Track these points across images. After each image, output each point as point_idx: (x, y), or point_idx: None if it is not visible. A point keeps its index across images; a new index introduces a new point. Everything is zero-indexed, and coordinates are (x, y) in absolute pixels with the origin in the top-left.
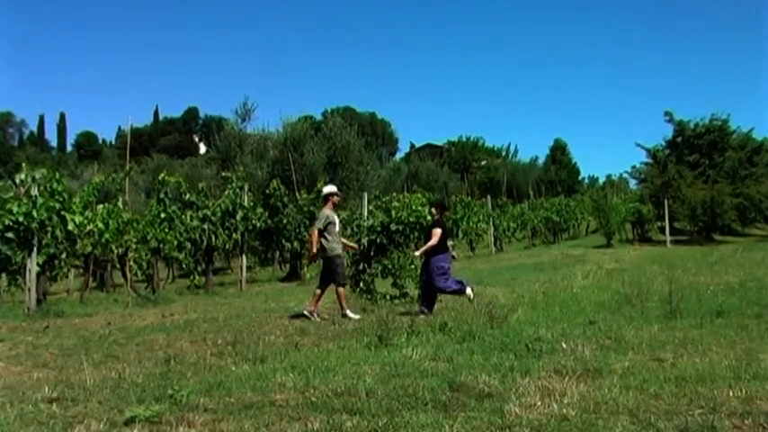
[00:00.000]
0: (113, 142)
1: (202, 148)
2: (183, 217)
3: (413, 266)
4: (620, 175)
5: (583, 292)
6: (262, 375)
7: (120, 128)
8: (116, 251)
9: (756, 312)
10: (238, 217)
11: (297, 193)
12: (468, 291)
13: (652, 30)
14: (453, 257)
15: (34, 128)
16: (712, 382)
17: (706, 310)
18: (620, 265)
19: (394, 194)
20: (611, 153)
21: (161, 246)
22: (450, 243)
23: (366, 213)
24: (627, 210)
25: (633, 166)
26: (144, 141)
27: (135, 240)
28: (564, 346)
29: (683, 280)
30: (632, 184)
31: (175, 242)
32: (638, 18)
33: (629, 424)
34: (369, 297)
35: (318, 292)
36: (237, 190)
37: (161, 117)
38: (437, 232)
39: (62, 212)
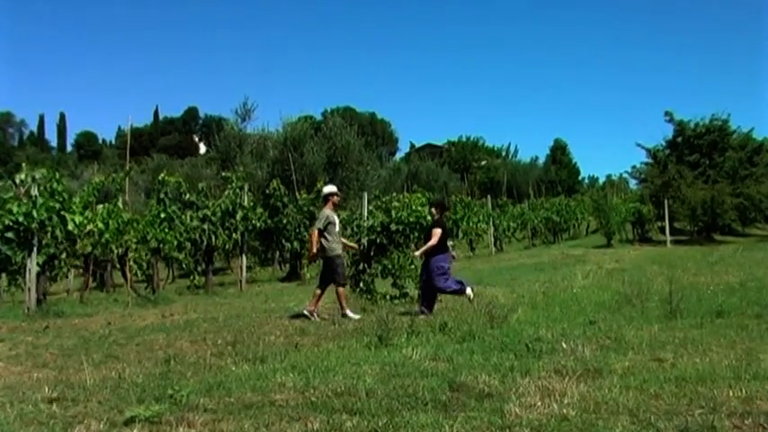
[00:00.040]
0: (113, 142)
1: (202, 148)
2: (183, 217)
3: (413, 266)
4: (621, 175)
5: (583, 292)
6: (262, 375)
7: (119, 128)
8: (116, 251)
9: (757, 312)
10: (238, 217)
11: (297, 193)
12: (468, 291)
13: (652, 30)
14: (453, 257)
15: (34, 128)
16: (712, 382)
17: (706, 310)
18: (621, 265)
19: (394, 194)
20: (612, 153)
21: (161, 246)
22: (450, 243)
23: (366, 213)
24: (627, 210)
25: (633, 166)
26: (144, 141)
27: (135, 240)
28: (564, 346)
29: (683, 280)
30: (632, 184)
31: (175, 242)
32: (638, 18)
33: (630, 424)
34: (369, 297)
35: (318, 292)
36: (237, 190)
37: (161, 117)
38: (437, 232)
39: (62, 212)
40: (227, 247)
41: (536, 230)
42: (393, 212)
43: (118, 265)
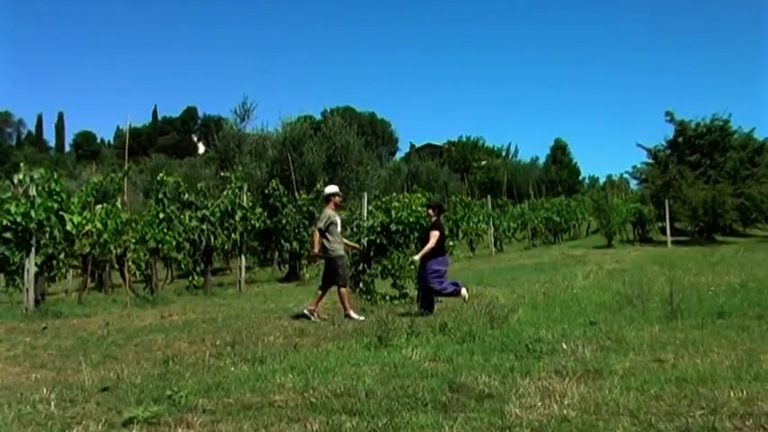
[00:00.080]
0: (112, 142)
1: (201, 148)
2: (182, 217)
3: (412, 267)
4: (621, 175)
5: (583, 293)
6: (261, 376)
7: (118, 127)
8: (114, 251)
9: (758, 313)
10: (237, 217)
11: (296, 194)
12: (464, 292)
13: (653, 29)
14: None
15: (32, 127)
16: (713, 383)
17: (707, 310)
18: (621, 265)
19: (394, 194)
20: (612, 153)
21: (160, 246)
22: (450, 243)
23: (366, 213)
24: (628, 210)
25: (634, 167)
26: (142, 141)
27: (133, 241)
28: (564, 346)
29: (684, 280)
30: (633, 184)
31: (174, 242)
32: (639, 18)
33: (630, 425)
34: (368, 298)
35: (320, 292)
36: (236, 190)
37: (160, 117)
38: (435, 235)
39: (60, 213)
40: (226, 247)
41: (536, 231)
42: (393, 213)
43: (116, 266)
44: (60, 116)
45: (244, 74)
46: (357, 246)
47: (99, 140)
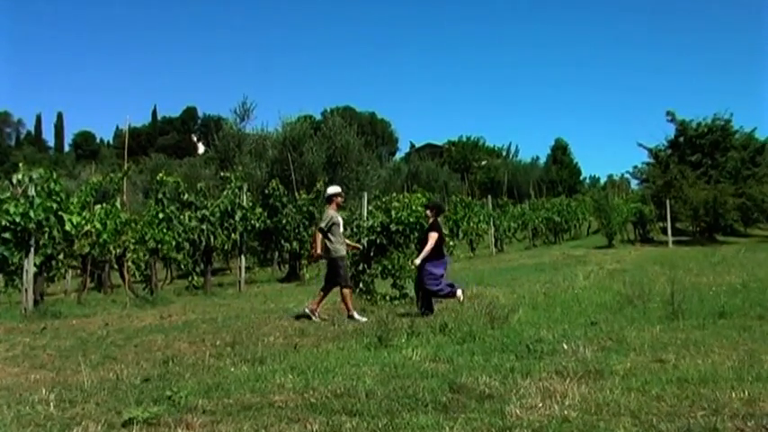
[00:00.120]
0: (111, 142)
1: (201, 148)
2: (182, 217)
3: (413, 267)
4: (622, 175)
5: (584, 293)
6: (261, 377)
7: (117, 127)
8: (114, 252)
9: (759, 313)
10: (237, 217)
11: (296, 194)
12: (459, 293)
13: (653, 29)
14: (445, 266)
15: (31, 127)
16: (715, 383)
17: (708, 311)
18: (622, 265)
19: (394, 194)
20: (613, 153)
21: (159, 246)
22: (451, 243)
23: (366, 213)
24: (628, 210)
25: (635, 166)
26: (142, 141)
27: (133, 241)
28: (565, 347)
29: (685, 281)
30: (634, 184)
31: (174, 242)
32: (640, 18)
33: (631, 426)
34: (368, 298)
35: (322, 293)
36: (236, 190)
37: (159, 117)
38: (433, 236)
39: (59, 213)
40: (225, 247)
41: (537, 231)
42: (393, 213)
43: (116, 266)
44: (60, 116)
45: (244, 74)
46: (359, 246)
47: (98, 140)
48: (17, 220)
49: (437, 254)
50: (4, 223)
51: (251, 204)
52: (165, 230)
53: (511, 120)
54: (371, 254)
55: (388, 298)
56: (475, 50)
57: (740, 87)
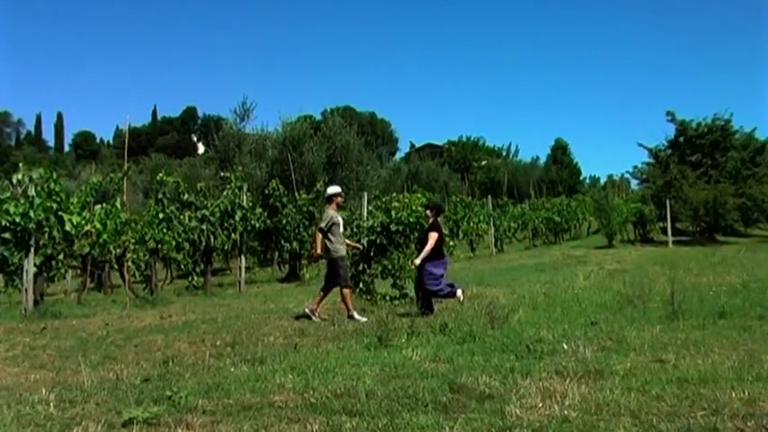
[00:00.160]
0: (111, 142)
1: (201, 148)
2: (182, 217)
3: (413, 267)
4: (622, 175)
5: (584, 293)
6: (261, 377)
7: (117, 127)
8: (114, 252)
9: (759, 313)
10: (237, 217)
11: (296, 194)
12: (459, 293)
13: (653, 29)
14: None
15: (31, 127)
16: (715, 383)
17: (708, 311)
18: (622, 265)
19: (394, 194)
20: (613, 153)
21: (159, 246)
22: (451, 243)
23: (366, 213)
24: (628, 210)
25: (635, 166)
26: (142, 141)
27: (133, 241)
28: (565, 347)
29: (685, 281)
30: (634, 184)
31: (174, 243)
32: (640, 17)
33: (631, 426)
34: (368, 298)
35: (322, 293)
36: (236, 190)
37: (159, 117)
38: (433, 236)
39: (59, 213)
40: (225, 247)
41: (537, 231)
42: (393, 213)
43: (116, 266)
44: (59, 116)
45: (244, 74)
46: (359, 246)
47: (98, 140)
48: (17, 220)
49: (437, 254)
50: (3, 223)
51: (251, 204)
52: (165, 230)
53: (511, 120)
54: (371, 254)
55: (388, 298)
56: (475, 50)
57: (740, 87)
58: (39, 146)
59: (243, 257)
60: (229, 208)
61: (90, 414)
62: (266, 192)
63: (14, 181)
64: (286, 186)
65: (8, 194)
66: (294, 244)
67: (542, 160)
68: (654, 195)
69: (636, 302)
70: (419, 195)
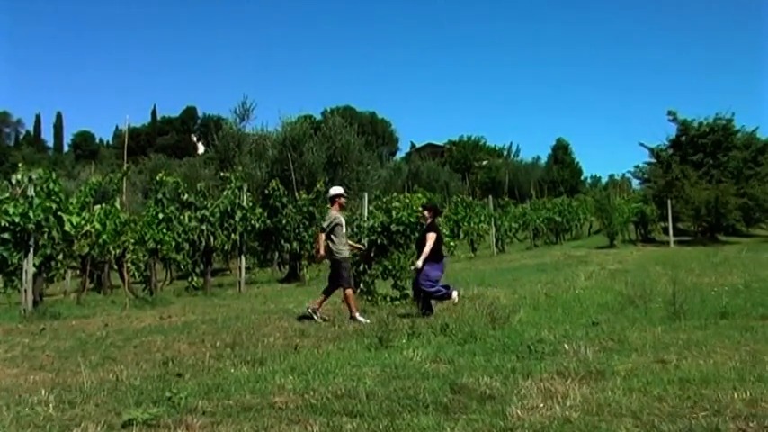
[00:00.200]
0: (110, 142)
1: (201, 148)
2: (182, 217)
3: (412, 269)
4: (623, 174)
5: (585, 293)
6: (261, 378)
7: (117, 127)
8: (113, 252)
9: (761, 314)
10: (237, 217)
11: (296, 194)
12: (454, 294)
13: (654, 28)
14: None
15: (31, 127)
16: (716, 384)
17: (710, 311)
18: (624, 265)
19: (394, 195)
20: (614, 153)
21: (159, 247)
22: (452, 244)
23: (366, 214)
24: (630, 210)
25: (636, 166)
26: (141, 141)
27: (132, 241)
28: (566, 347)
29: (686, 281)
30: (635, 184)
31: (173, 243)
32: (641, 17)
33: (633, 426)
34: (369, 298)
35: (323, 295)
36: (236, 190)
37: (159, 116)
38: (431, 237)
39: (59, 213)
40: (225, 247)
41: (538, 231)
42: (393, 213)
43: (115, 267)
44: (59, 116)
45: (244, 73)
46: (362, 247)
47: (98, 140)
48: (16, 220)
49: (436, 255)
50: (3, 224)
51: (251, 205)
52: (164, 231)
53: (512, 119)
54: (372, 254)
55: (388, 298)
56: (475, 50)
57: (742, 87)
58: (38, 146)
59: (243, 258)
60: (229, 208)
61: (89, 415)
62: (266, 192)
63: (14, 181)
64: (286, 186)
65: (7, 195)
66: (294, 244)
67: (543, 160)
68: (655, 195)
69: (637, 303)
70: (420, 195)
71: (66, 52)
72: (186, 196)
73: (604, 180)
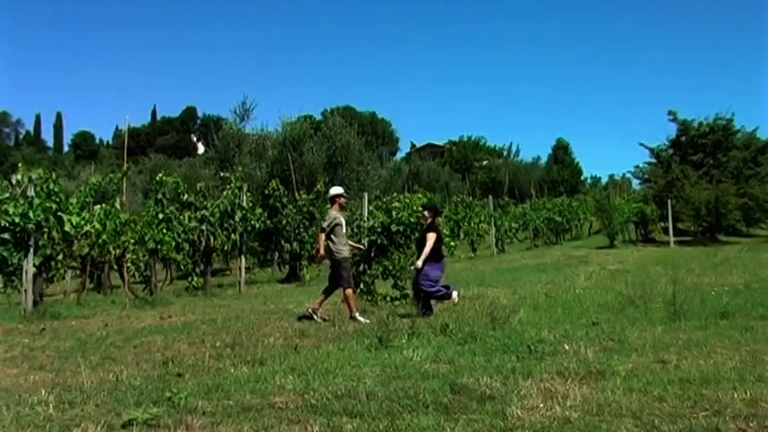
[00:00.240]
0: (110, 142)
1: (201, 148)
2: (182, 218)
3: (412, 269)
4: (623, 174)
5: (585, 294)
6: (261, 378)
7: (117, 127)
8: (113, 252)
9: (761, 314)
10: (237, 217)
11: (296, 194)
12: (454, 295)
13: (655, 28)
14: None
15: (31, 127)
16: (717, 384)
17: (710, 311)
18: (624, 265)
19: (394, 195)
20: (614, 153)
21: (159, 247)
22: (452, 244)
23: (366, 214)
24: (630, 210)
25: (636, 166)
26: (141, 141)
27: (132, 241)
28: (566, 347)
29: (686, 281)
30: (635, 184)
31: (173, 243)
32: (641, 17)
33: (633, 427)
34: (369, 298)
35: (324, 295)
36: (236, 190)
37: (159, 116)
38: (431, 237)
39: (59, 213)
40: (225, 247)
41: (538, 231)
42: (394, 213)
43: (115, 267)
44: (59, 116)
45: (244, 73)
46: (362, 246)
47: (98, 141)
48: (16, 220)
49: (436, 255)
50: (3, 224)
51: (251, 205)
52: (164, 231)
53: (512, 119)
54: (372, 254)
55: (388, 299)
56: (475, 50)
57: (742, 87)
58: (38, 146)
59: (243, 258)
60: (229, 208)
61: (89, 415)
62: (266, 192)
63: (13, 181)
64: (286, 186)
65: (7, 195)
66: (294, 244)
67: (543, 160)
68: (655, 195)
69: (637, 303)
70: (420, 195)
71: (66, 52)
72: (186, 196)
73: (604, 180)
